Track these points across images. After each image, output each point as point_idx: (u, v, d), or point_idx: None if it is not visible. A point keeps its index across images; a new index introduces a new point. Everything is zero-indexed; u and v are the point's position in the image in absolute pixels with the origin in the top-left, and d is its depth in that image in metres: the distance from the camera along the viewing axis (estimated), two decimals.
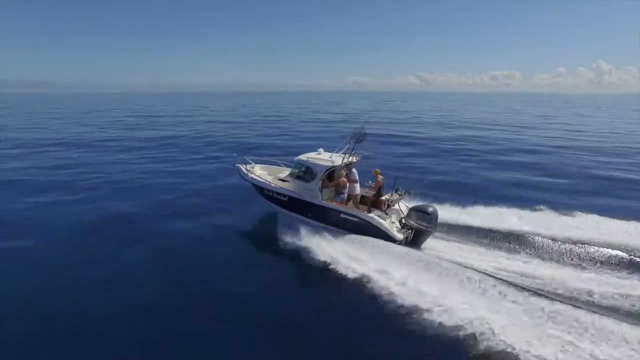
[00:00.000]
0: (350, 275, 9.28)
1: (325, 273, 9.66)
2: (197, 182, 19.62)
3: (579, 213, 12.60)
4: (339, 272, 9.50)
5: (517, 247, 10.72)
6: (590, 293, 8.29)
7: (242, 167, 13.68)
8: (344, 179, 11.54)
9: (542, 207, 13.23)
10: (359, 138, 11.54)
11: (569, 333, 6.72)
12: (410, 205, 11.40)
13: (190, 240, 12.13)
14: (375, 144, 26.54)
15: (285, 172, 13.41)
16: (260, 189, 12.99)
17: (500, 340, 6.77)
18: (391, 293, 8.41)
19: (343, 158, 11.66)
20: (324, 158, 11.93)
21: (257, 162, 14.45)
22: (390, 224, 10.91)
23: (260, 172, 13.79)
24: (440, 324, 7.36)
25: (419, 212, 10.78)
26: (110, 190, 18.01)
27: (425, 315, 7.61)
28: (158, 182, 19.61)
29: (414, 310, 7.81)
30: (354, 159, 11.85)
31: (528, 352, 6.45)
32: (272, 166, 14.37)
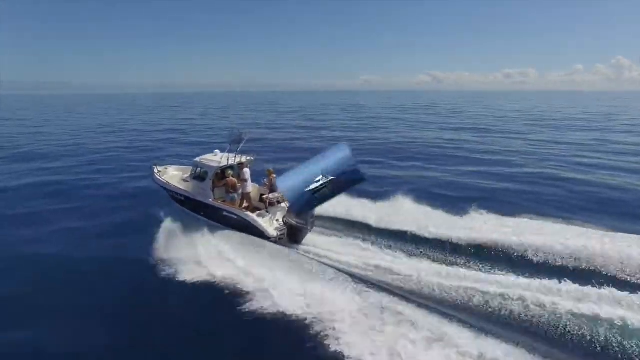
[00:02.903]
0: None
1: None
2: None
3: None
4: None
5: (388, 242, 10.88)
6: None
7: (155, 169, 14.12)
8: (232, 179, 11.87)
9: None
10: (238, 140, 12.01)
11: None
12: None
13: None
14: None
15: None
16: (164, 189, 13.47)
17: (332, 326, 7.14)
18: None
19: (228, 158, 11.98)
20: (215, 159, 12.28)
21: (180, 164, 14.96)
22: (270, 222, 11.18)
23: (174, 173, 14.18)
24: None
25: None
26: None
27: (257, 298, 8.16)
28: None
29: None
30: (244, 159, 12.18)
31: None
32: (187, 167, 14.75)
